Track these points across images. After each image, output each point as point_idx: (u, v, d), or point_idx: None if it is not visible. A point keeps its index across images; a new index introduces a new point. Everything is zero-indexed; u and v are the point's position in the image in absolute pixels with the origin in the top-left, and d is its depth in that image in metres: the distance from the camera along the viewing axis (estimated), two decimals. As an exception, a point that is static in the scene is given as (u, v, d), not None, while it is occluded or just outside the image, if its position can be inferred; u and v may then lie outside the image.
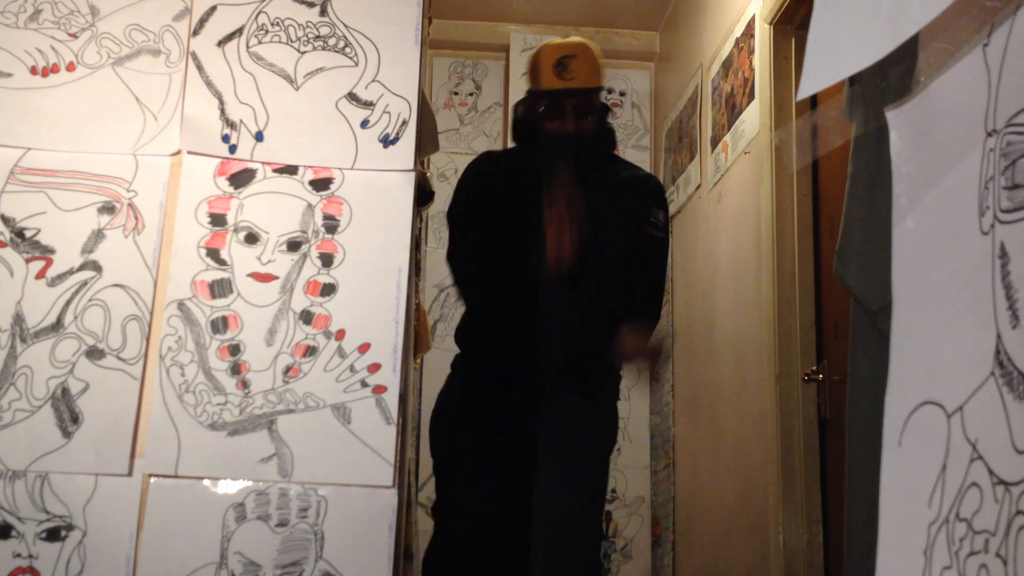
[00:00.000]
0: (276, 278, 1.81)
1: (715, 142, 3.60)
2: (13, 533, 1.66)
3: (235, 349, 1.77)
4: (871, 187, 1.52)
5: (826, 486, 2.69)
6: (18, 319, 1.76)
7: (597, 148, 2.40)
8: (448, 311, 4.35)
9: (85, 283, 1.79)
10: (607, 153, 2.46)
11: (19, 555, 1.66)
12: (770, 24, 2.97)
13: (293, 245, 1.83)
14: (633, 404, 4.38)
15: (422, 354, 3.47)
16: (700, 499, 3.68)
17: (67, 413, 1.72)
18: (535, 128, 2.36)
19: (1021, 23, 0.69)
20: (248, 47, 1.93)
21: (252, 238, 1.83)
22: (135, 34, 1.94)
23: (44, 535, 1.67)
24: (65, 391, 1.73)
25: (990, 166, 0.71)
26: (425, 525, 4.12)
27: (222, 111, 1.89)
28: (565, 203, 2.24)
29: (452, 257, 2.43)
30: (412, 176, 1.87)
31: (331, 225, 1.84)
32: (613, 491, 4.30)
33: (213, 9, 1.95)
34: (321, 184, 1.86)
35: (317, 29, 1.95)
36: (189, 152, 1.87)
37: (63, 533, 1.67)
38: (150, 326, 1.78)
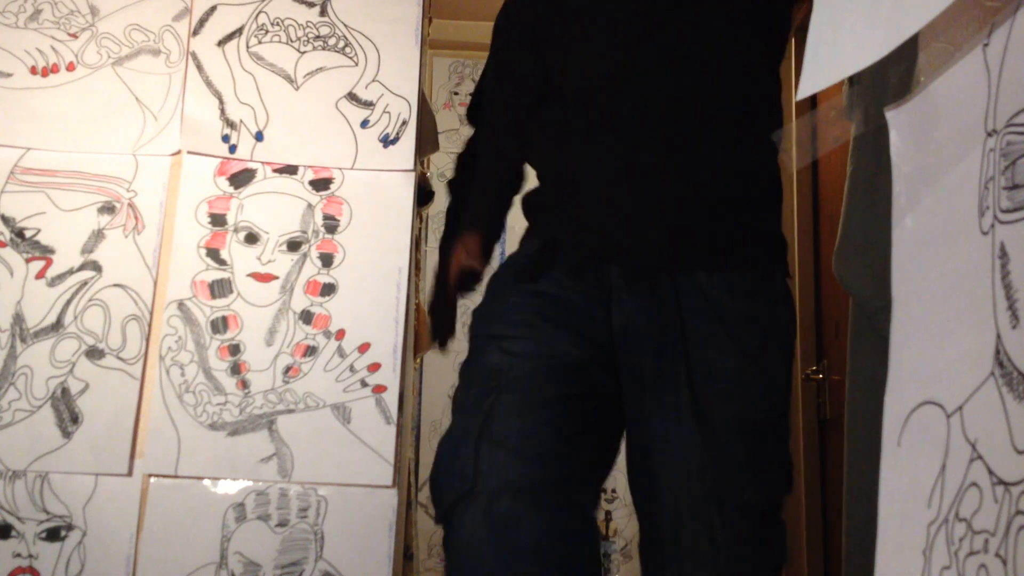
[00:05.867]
0: (276, 278, 1.81)
1: (715, 142, 3.59)
2: (13, 533, 1.66)
3: (235, 349, 1.77)
4: (871, 187, 1.52)
5: (826, 486, 2.69)
6: (18, 319, 1.76)
7: None
8: (448, 311, 4.33)
9: (85, 283, 1.79)
10: None
11: (19, 555, 1.66)
12: (770, 24, 2.96)
13: (293, 245, 1.83)
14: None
15: (422, 354, 3.46)
16: (700, 499, 3.66)
17: (67, 413, 1.72)
18: None
19: (1021, 23, 0.69)
20: (248, 47, 1.93)
21: (252, 238, 1.83)
22: (135, 34, 1.94)
23: (44, 535, 1.67)
24: (65, 391, 1.73)
25: (990, 166, 0.71)
26: (425, 525, 4.10)
27: (222, 111, 1.89)
28: None
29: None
30: (412, 176, 1.87)
31: (331, 225, 1.84)
32: (613, 491, 4.29)
33: (213, 9, 1.95)
34: (321, 184, 1.86)
35: (317, 29, 1.95)
36: (189, 152, 1.87)
37: (63, 533, 1.67)
38: (150, 326, 1.78)
